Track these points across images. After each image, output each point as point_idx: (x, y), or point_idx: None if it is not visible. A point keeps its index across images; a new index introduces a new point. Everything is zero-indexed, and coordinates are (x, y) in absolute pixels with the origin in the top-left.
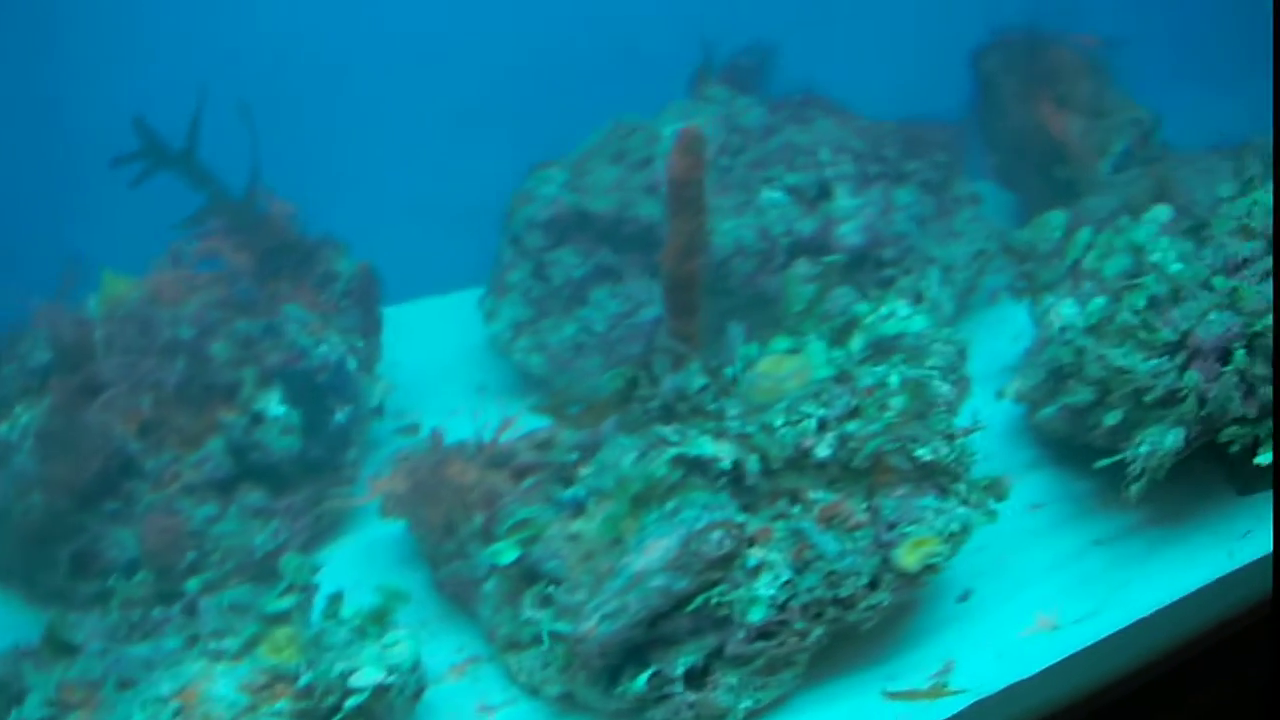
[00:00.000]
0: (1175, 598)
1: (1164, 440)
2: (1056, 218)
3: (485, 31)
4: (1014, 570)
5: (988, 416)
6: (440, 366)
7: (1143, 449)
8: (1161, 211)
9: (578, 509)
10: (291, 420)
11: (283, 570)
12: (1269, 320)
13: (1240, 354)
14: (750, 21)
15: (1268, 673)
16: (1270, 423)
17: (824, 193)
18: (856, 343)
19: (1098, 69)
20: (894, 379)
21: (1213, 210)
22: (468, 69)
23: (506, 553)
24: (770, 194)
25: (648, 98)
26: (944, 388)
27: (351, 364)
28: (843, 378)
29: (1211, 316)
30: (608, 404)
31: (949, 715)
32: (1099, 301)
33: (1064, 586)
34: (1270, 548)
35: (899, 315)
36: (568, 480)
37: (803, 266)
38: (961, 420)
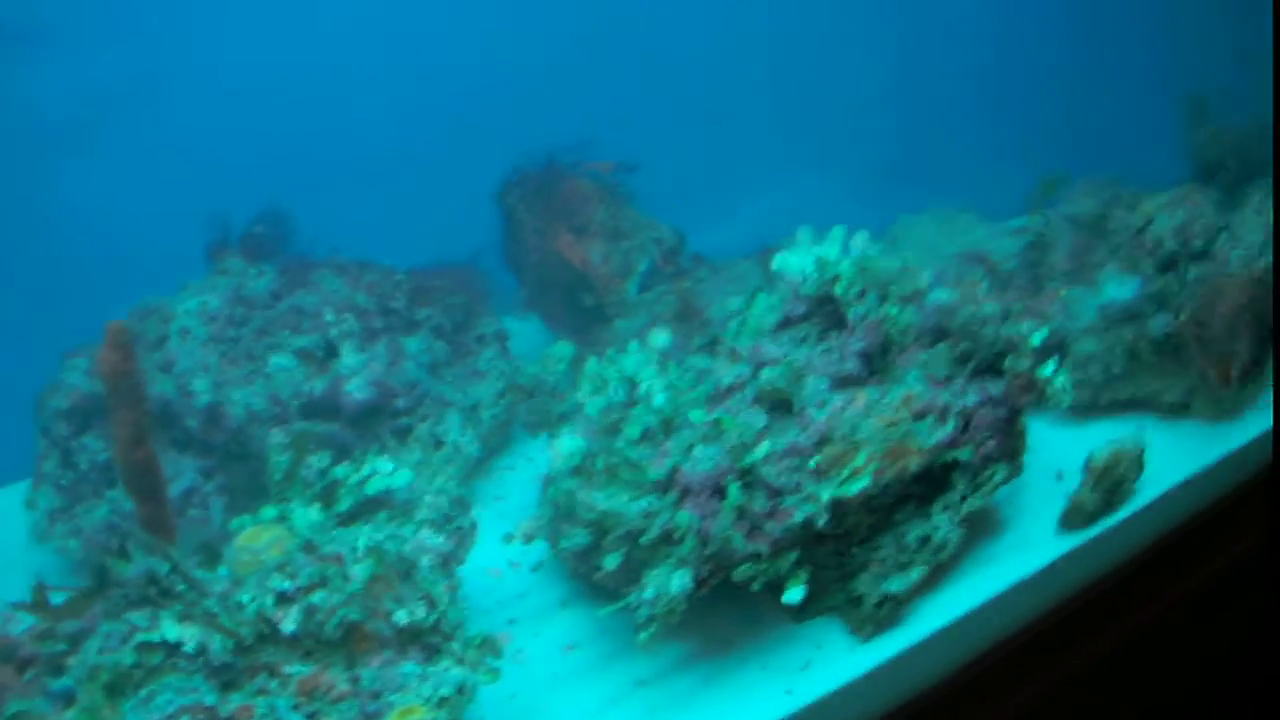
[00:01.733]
0: None
1: (670, 583)
2: (561, 349)
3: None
4: None
5: (521, 552)
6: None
7: (648, 593)
8: (659, 337)
9: (69, 699)
10: None
11: None
12: (759, 453)
13: (734, 489)
14: (275, 187)
15: None
16: (790, 557)
17: (331, 352)
18: (340, 506)
19: (614, 194)
20: (361, 543)
21: (723, 325)
22: None
23: None
24: (278, 359)
25: (179, 273)
26: (435, 540)
27: None
28: (309, 547)
29: (697, 452)
30: (89, 594)
31: None
32: (579, 443)
33: None
34: None
35: (382, 473)
36: (59, 670)
37: (278, 435)
38: (466, 569)
